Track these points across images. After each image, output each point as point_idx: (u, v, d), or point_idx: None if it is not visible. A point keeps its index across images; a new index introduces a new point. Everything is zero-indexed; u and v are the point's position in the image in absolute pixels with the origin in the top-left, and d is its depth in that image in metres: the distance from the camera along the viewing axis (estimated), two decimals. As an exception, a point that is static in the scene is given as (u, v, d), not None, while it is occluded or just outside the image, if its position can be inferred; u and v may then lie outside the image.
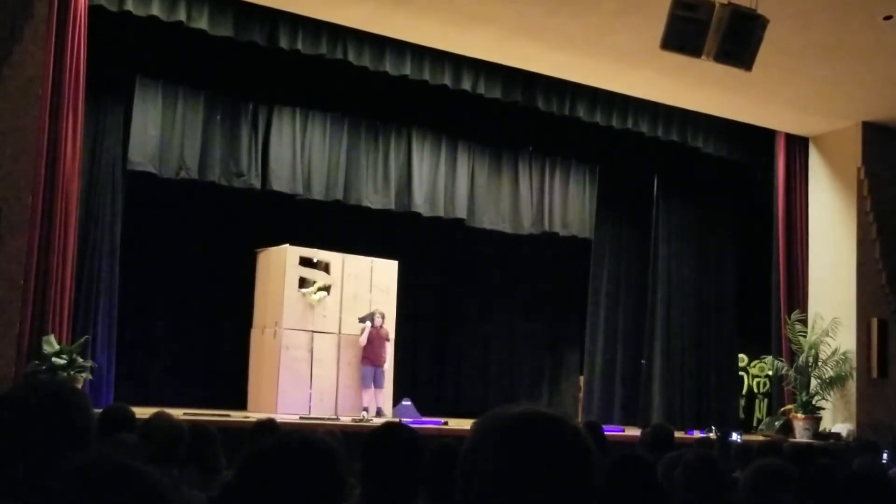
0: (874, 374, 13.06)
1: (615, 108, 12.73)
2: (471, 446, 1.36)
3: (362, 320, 11.85)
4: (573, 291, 15.50)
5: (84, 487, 1.33)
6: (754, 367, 13.79)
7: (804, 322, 13.45)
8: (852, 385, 13.03)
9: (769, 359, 13.60)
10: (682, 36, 8.05)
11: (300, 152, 12.08)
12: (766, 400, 13.89)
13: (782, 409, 13.40)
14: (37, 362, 8.81)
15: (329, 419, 10.44)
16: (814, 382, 13.12)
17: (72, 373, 8.96)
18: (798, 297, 13.80)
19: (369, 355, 11.67)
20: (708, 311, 14.62)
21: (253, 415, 9.80)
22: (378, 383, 11.67)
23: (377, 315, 11.82)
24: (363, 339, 11.68)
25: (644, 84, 12.14)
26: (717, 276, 14.81)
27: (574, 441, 1.33)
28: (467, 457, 1.35)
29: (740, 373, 14.10)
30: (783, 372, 13.34)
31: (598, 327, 14.70)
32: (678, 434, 8.84)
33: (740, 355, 14.16)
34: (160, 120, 11.09)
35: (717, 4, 8.07)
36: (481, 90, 11.82)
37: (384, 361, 11.78)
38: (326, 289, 11.98)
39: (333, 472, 2.12)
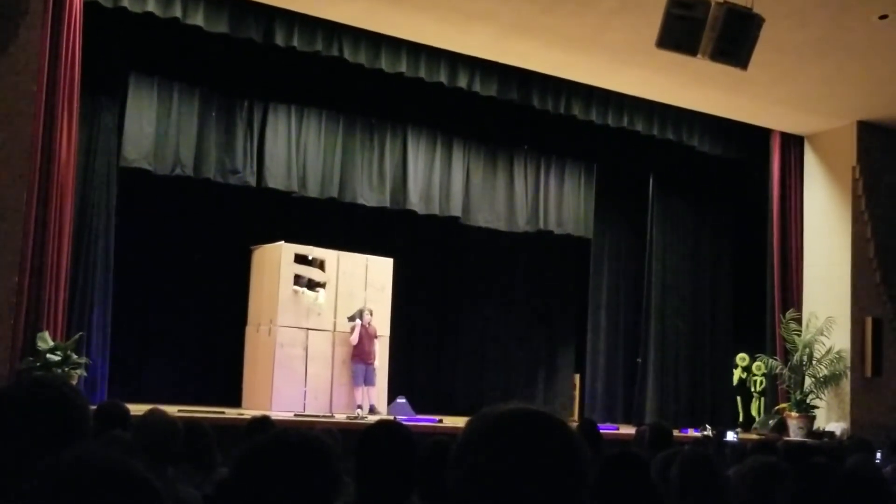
0: (868, 372, 13.09)
1: (611, 107, 12.75)
2: (462, 444, 1.36)
3: (351, 318, 11.83)
4: (568, 290, 15.52)
5: (72, 484, 1.33)
6: (752, 364, 13.83)
7: (798, 321, 13.47)
8: (846, 384, 13.06)
9: (764, 357, 13.63)
10: (678, 34, 8.06)
11: (295, 149, 12.07)
12: (762, 398, 13.93)
13: (776, 407, 13.43)
14: (31, 359, 8.81)
15: (324, 416, 10.44)
16: (808, 381, 13.15)
17: (66, 369, 8.95)
18: (792, 295, 13.83)
19: (360, 353, 11.64)
20: (703, 310, 14.66)
21: (247, 412, 9.80)
22: (369, 381, 11.65)
23: (366, 312, 11.81)
24: (354, 338, 11.66)
25: (640, 82, 12.15)
26: (712, 274, 14.86)
27: (564, 439, 1.33)
28: (458, 455, 1.35)
29: (741, 372, 14.13)
30: (777, 371, 13.37)
31: (595, 326, 14.73)
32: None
33: (741, 354, 14.19)
34: (155, 116, 11.07)
35: (713, 3, 8.07)
36: (477, 88, 11.82)
37: (374, 358, 11.78)
38: (321, 286, 11.97)
39: (328, 469, 2.12)
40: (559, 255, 15.16)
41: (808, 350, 13.16)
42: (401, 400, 12.26)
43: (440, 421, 10.85)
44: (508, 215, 13.81)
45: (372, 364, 11.72)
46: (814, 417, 13.00)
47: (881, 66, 11.26)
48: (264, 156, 11.83)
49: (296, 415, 10.50)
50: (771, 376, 13.64)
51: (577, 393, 14.92)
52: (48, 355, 8.86)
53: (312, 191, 12.21)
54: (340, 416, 10.62)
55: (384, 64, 11.20)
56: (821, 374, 13.08)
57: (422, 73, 11.46)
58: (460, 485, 1.33)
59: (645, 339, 14.29)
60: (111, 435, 4.04)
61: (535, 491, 1.28)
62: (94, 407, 4.98)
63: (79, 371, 9.22)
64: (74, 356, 9.19)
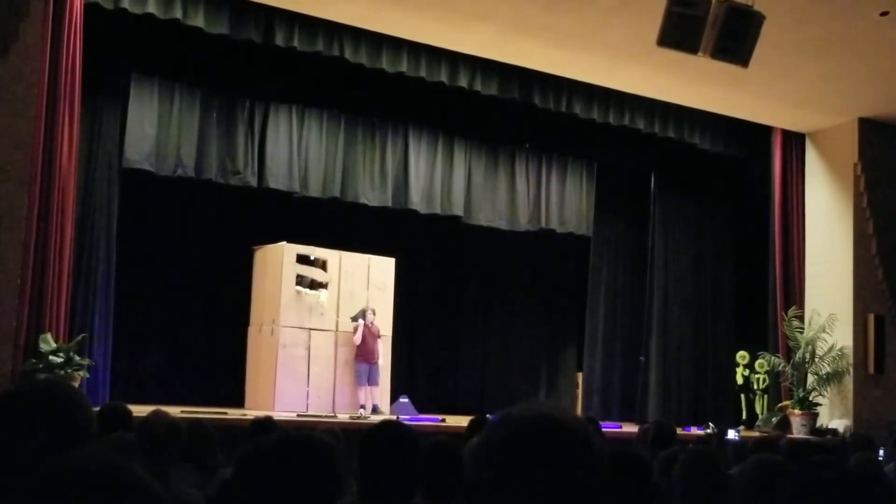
0: (871, 369, 13.08)
1: (612, 105, 12.74)
2: (485, 445, 1.34)
3: (354, 318, 11.84)
4: (570, 288, 15.52)
5: (72, 487, 1.33)
6: (753, 362, 13.82)
7: (801, 318, 13.46)
8: (849, 381, 13.05)
9: (767, 355, 13.63)
10: (679, 32, 8.06)
11: (297, 150, 12.08)
12: (765, 396, 13.92)
13: (779, 405, 13.42)
14: (34, 360, 8.81)
15: (327, 416, 10.45)
16: (811, 378, 13.14)
17: (69, 371, 8.96)
18: (795, 293, 13.81)
19: (363, 353, 11.65)
20: (705, 308, 14.65)
21: (250, 412, 9.80)
22: (372, 380, 11.67)
23: (369, 312, 11.82)
24: (357, 338, 11.66)
25: (641, 80, 12.15)
26: (714, 272, 14.85)
27: (587, 448, 1.32)
28: (479, 455, 1.33)
29: (743, 370, 14.12)
30: (780, 368, 13.36)
31: (597, 324, 14.72)
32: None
33: (741, 353, 14.18)
34: (156, 117, 11.09)
35: (713, 1, 8.07)
36: (478, 87, 11.81)
37: (378, 358, 11.79)
38: (324, 286, 11.98)
39: (331, 469, 2.12)
40: (561, 253, 15.16)
41: (810, 347, 13.14)
42: (403, 399, 12.26)
43: (443, 420, 10.86)
44: (510, 214, 13.82)
45: (376, 363, 11.73)
46: (816, 415, 12.99)
47: (882, 62, 11.25)
48: (265, 156, 11.84)
49: (298, 415, 10.50)
50: (774, 374, 13.63)
51: (579, 391, 14.92)
52: (51, 357, 8.86)
53: (314, 191, 12.22)
54: (343, 416, 10.62)
55: (385, 64, 11.20)
56: (823, 372, 13.07)
57: (422, 73, 11.45)
58: (480, 486, 1.31)
59: (647, 338, 14.28)
60: (114, 437, 4.05)
61: (555, 497, 1.27)
62: (96, 409, 4.99)
63: (81, 372, 9.22)
64: (77, 358, 9.19)
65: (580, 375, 15.00)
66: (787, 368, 13.26)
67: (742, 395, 14.22)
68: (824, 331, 13.13)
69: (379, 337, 11.90)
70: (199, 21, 10.12)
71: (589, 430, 1.35)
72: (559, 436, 1.31)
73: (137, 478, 1.36)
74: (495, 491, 1.29)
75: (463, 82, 11.70)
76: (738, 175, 14.69)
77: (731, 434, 9.99)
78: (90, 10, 9.62)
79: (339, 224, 12.85)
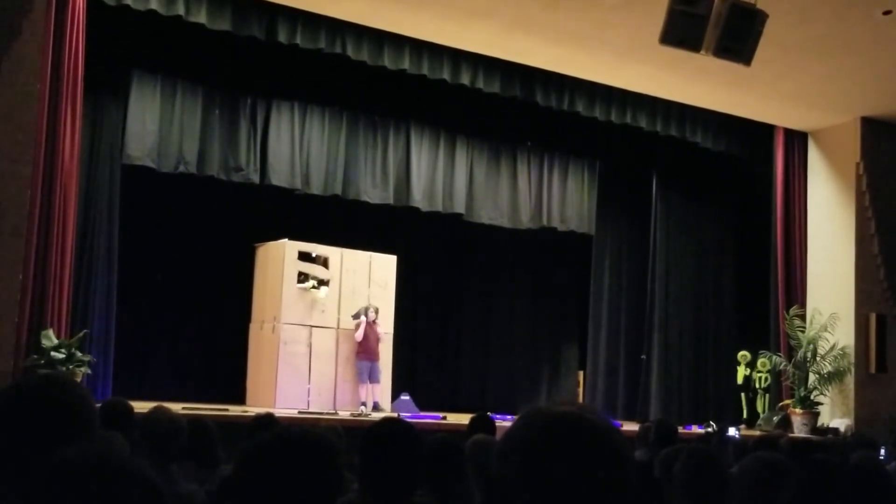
0: (872, 369, 13.08)
1: (614, 103, 12.73)
2: (510, 442, 1.33)
3: (356, 316, 11.84)
4: (572, 286, 15.52)
5: (75, 482, 1.33)
6: (756, 361, 13.82)
7: (802, 317, 13.45)
8: (850, 380, 13.04)
9: (768, 354, 13.62)
10: (682, 30, 8.06)
11: (299, 147, 12.07)
12: (766, 395, 13.92)
13: (780, 404, 13.42)
14: (35, 356, 8.82)
15: (328, 414, 10.45)
16: (812, 378, 13.13)
17: (70, 367, 8.96)
18: (796, 292, 13.80)
19: (365, 350, 11.66)
20: (706, 306, 14.65)
21: (251, 409, 9.82)
22: (374, 378, 11.67)
23: (370, 310, 11.82)
24: (359, 335, 11.66)
25: (643, 79, 12.14)
26: (716, 270, 14.85)
27: (620, 450, 1.31)
28: (506, 452, 1.33)
29: (744, 368, 14.12)
30: (781, 367, 13.35)
31: (598, 322, 14.72)
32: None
33: (742, 352, 14.18)
34: (158, 114, 11.09)
35: (716, -1, 8.08)
36: (480, 85, 11.81)
37: (379, 356, 11.78)
38: (325, 283, 11.98)
39: (332, 466, 2.12)
40: (562, 251, 15.15)
41: (812, 346, 13.14)
42: (404, 397, 12.27)
43: (444, 418, 10.87)
44: (511, 212, 13.81)
45: (377, 361, 11.73)
46: (818, 414, 12.99)
47: (885, 61, 11.23)
48: (268, 153, 11.84)
49: (300, 412, 10.50)
50: (775, 373, 13.63)
51: (581, 389, 14.92)
52: (52, 353, 8.87)
53: (316, 188, 12.21)
54: (344, 414, 10.62)
55: (387, 61, 11.20)
56: (825, 371, 13.07)
57: (424, 70, 11.45)
58: (505, 482, 1.31)
59: (648, 336, 14.28)
60: (115, 433, 4.05)
61: (580, 498, 1.27)
62: (98, 404, 4.98)
63: (83, 368, 9.23)
64: (78, 353, 9.20)
65: (582, 374, 15.01)
66: (788, 367, 13.25)
67: (743, 394, 14.22)
68: (826, 330, 13.12)
69: (380, 340, 11.87)
70: (201, 17, 10.12)
71: (618, 432, 1.34)
72: (588, 435, 1.30)
73: (140, 472, 1.36)
74: (521, 487, 1.28)
75: (465, 80, 11.70)
76: (740, 174, 14.69)
77: (732, 433, 10.00)
78: (92, 7, 9.62)
79: (340, 221, 12.86)
